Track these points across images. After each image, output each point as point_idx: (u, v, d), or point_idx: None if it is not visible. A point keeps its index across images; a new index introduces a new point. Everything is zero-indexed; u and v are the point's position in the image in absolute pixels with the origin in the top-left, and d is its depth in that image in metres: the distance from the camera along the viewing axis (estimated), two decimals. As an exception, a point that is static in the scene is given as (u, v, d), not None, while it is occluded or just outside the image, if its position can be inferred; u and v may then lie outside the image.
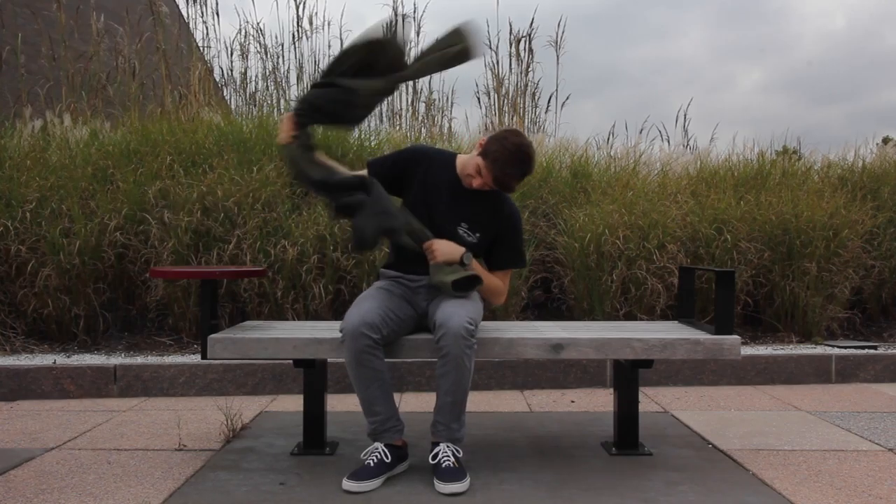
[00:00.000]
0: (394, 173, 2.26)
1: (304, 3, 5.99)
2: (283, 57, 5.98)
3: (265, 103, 5.90)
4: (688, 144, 6.14)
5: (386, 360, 2.08)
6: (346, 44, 2.13)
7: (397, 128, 5.93)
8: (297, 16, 5.98)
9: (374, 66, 2.12)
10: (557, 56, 6.31)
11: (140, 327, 3.91)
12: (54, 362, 3.31)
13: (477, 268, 2.23)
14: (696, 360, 3.49)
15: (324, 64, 6.95)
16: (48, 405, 3.06)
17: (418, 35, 6.19)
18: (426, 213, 2.21)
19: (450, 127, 6.14)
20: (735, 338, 2.19)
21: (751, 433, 2.62)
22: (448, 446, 2.06)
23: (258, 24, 6.42)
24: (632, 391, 2.36)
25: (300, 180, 2.18)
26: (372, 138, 4.83)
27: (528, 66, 6.11)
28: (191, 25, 6.12)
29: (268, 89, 5.97)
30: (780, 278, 4.09)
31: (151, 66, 5.97)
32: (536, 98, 6.18)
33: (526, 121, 6.14)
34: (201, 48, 6.09)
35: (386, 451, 2.07)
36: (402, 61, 2.14)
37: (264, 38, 5.97)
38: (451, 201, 2.22)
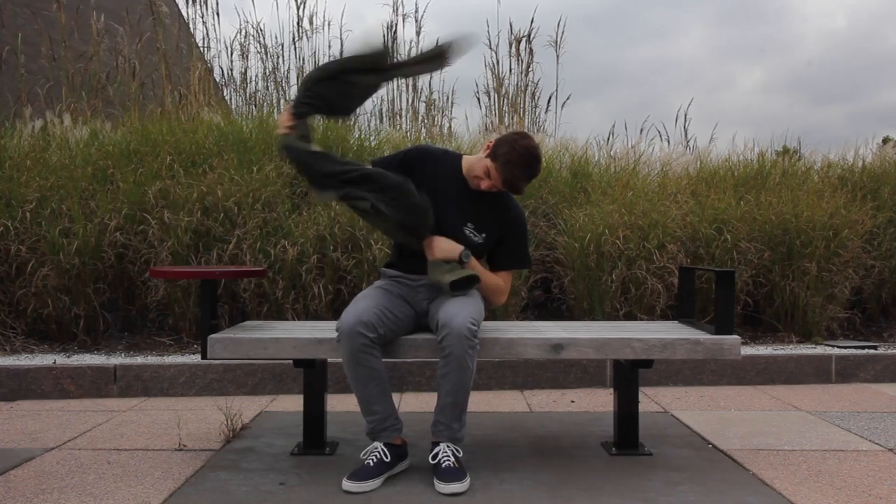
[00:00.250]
0: (399, 171, 2.26)
1: (305, 4, 5.99)
2: (283, 57, 5.98)
3: (265, 103, 5.91)
4: (688, 144, 6.15)
5: (385, 360, 2.08)
6: (345, 56, 2.18)
7: (397, 128, 5.93)
8: (298, 16, 5.99)
9: (366, 68, 2.18)
10: (557, 56, 6.31)
11: (140, 327, 3.91)
12: (54, 362, 3.31)
13: (476, 266, 2.23)
14: (696, 360, 3.50)
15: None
16: (48, 405, 3.06)
17: (418, 35, 6.20)
18: (432, 213, 2.22)
19: (450, 127, 6.15)
20: (735, 338, 2.19)
21: (751, 433, 2.62)
22: (448, 446, 2.05)
23: (258, 24, 6.42)
24: (632, 391, 2.36)
25: (300, 168, 2.17)
26: (372, 138, 4.83)
27: (528, 66, 6.11)
28: (191, 25, 6.12)
29: (268, 89, 5.97)
30: (780, 278, 4.10)
31: (151, 66, 5.97)
32: (536, 98, 6.19)
33: (526, 121, 6.14)
34: (201, 48, 6.09)
35: (385, 450, 2.07)
36: (387, 64, 2.19)
37: (264, 38, 5.98)
38: (458, 202, 2.23)
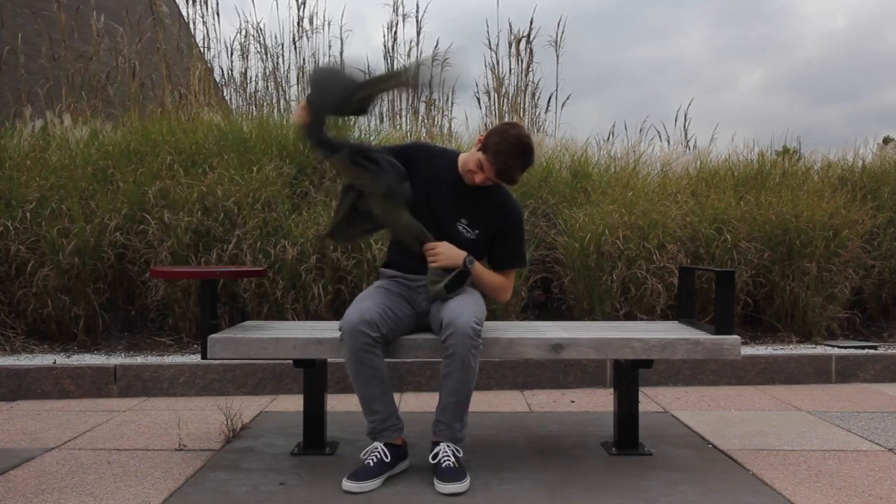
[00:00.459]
0: (401, 162, 2.27)
1: (305, 4, 5.99)
2: (283, 57, 5.98)
3: (265, 103, 5.91)
4: (688, 144, 6.15)
5: (386, 359, 2.08)
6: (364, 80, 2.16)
7: (397, 128, 5.93)
8: (298, 16, 5.99)
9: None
10: (557, 56, 6.31)
11: (140, 327, 3.91)
12: (54, 362, 3.31)
13: (478, 268, 2.23)
14: (696, 360, 3.49)
15: (324, 63, 6.94)
16: (48, 405, 3.06)
17: (419, 35, 6.20)
18: (427, 208, 2.22)
19: (450, 127, 6.14)
20: (735, 338, 2.19)
21: (751, 433, 2.62)
22: (448, 446, 2.05)
23: (258, 24, 6.42)
24: (632, 391, 2.36)
25: (321, 147, 2.17)
26: (372, 138, 4.83)
27: (528, 66, 6.11)
28: (191, 25, 6.12)
29: (268, 89, 5.97)
30: (780, 278, 4.09)
31: (151, 66, 5.97)
32: (536, 98, 6.19)
33: (526, 121, 6.14)
34: (201, 48, 6.09)
35: (385, 450, 2.07)
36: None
37: (264, 38, 5.98)
38: (453, 198, 2.23)
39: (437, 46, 6.25)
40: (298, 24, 5.99)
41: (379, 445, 2.08)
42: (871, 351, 3.73)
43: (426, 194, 2.23)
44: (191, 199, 3.81)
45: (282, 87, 5.95)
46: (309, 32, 5.99)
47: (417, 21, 6.19)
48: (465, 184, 2.23)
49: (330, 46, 7.73)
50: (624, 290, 3.89)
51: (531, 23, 6.37)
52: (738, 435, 2.59)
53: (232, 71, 6.04)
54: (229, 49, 6.06)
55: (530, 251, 4.03)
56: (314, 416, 2.37)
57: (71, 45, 5.67)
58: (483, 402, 3.15)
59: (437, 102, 6.15)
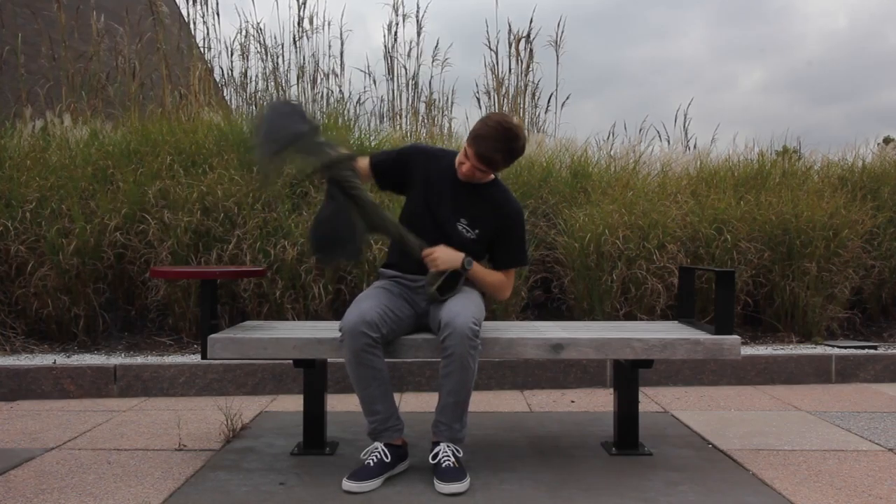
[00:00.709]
0: (396, 169, 2.28)
1: (305, 4, 5.99)
2: (283, 57, 5.98)
3: (265, 103, 5.90)
4: (688, 144, 6.15)
5: (386, 359, 2.08)
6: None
7: (397, 128, 5.93)
8: (299, 16, 5.99)
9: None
10: (557, 56, 6.31)
11: (140, 327, 3.91)
12: (54, 362, 3.31)
13: (478, 269, 2.23)
14: (696, 360, 3.49)
15: (324, 64, 6.93)
16: (48, 405, 3.06)
17: (419, 35, 6.20)
18: (427, 209, 2.22)
19: (450, 127, 6.15)
20: (735, 338, 2.19)
21: (751, 433, 2.62)
22: (448, 446, 2.05)
23: (258, 24, 6.42)
24: (632, 391, 2.36)
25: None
26: (372, 138, 4.83)
27: (527, 67, 6.11)
28: (191, 25, 6.12)
29: (268, 89, 5.97)
30: (780, 278, 4.09)
31: (151, 66, 5.97)
32: (536, 98, 6.19)
33: (526, 121, 6.14)
34: (201, 48, 6.09)
35: (386, 450, 2.07)
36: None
37: (264, 38, 5.98)
38: (453, 198, 2.23)
39: (436, 46, 6.25)
40: (299, 24, 5.99)
41: (379, 446, 2.08)
42: (871, 351, 3.73)
43: (425, 195, 2.23)
44: (191, 199, 3.81)
45: (282, 87, 5.96)
46: (309, 32, 5.99)
47: (417, 21, 6.20)
48: (464, 184, 2.23)
49: (330, 46, 7.72)
50: (624, 290, 3.89)
51: (531, 22, 6.38)
52: (738, 435, 2.59)
53: (232, 71, 6.04)
54: (229, 49, 6.07)
55: (530, 251, 4.03)
56: (314, 416, 2.37)
57: (71, 45, 5.67)
58: (483, 402, 3.15)
59: (436, 102, 6.16)
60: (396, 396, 3.24)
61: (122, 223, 3.83)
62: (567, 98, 6.52)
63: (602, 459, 2.28)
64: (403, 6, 7.18)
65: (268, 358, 2.17)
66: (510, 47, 6.14)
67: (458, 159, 2.20)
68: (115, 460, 2.27)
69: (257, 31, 6.14)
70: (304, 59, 5.97)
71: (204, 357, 2.18)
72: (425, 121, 6.14)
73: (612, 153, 5.13)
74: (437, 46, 6.24)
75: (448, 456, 2.03)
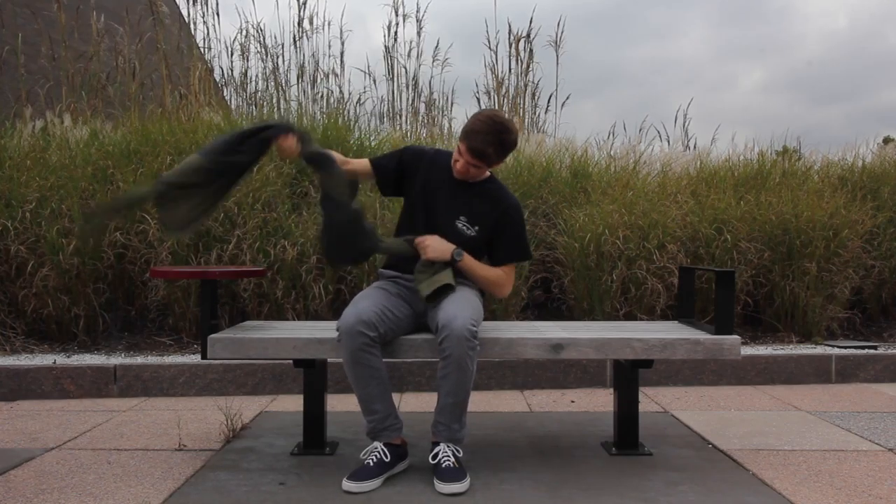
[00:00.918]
0: (397, 172, 2.30)
1: (306, 4, 5.99)
2: (283, 57, 5.98)
3: (265, 103, 5.91)
4: (688, 144, 6.15)
5: (385, 359, 2.08)
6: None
7: (397, 128, 5.93)
8: (299, 16, 5.99)
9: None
10: (557, 56, 6.31)
11: (140, 327, 3.91)
12: (54, 362, 3.31)
13: (470, 263, 2.22)
14: (696, 360, 3.49)
15: (324, 64, 6.94)
16: (48, 405, 3.06)
17: (419, 35, 6.20)
18: (425, 210, 2.24)
19: (450, 127, 6.15)
20: (735, 338, 2.19)
21: (751, 433, 2.62)
22: (448, 446, 2.05)
23: (258, 24, 6.42)
24: (632, 391, 2.36)
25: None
26: (372, 138, 4.83)
27: (527, 66, 6.11)
28: (191, 25, 6.12)
29: (268, 89, 5.97)
30: (780, 278, 4.09)
31: (151, 66, 5.97)
32: (536, 98, 6.19)
33: (526, 121, 6.14)
34: (201, 48, 6.09)
35: (385, 450, 2.07)
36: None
37: (264, 38, 5.97)
38: (450, 197, 2.24)
39: (437, 47, 6.25)
40: (299, 24, 5.99)
41: (378, 445, 2.08)
42: (871, 351, 3.73)
43: (423, 196, 2.24)
44: (191, 199, 3.81)
45: (282, 87, 5.96)
46: (309, 32, 5.99)
47: (417, 21, 6.20)
48: (461, 182, 2.24)
49: (330, 46, 7.73)
50: (624, 290, 3.89)
51: (531, 22, 6.38)
52: (738, 435, 2.59)
53: (232, 71, 6.04)
54: (229, 49, 6.07)
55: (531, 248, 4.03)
56: (314, 416, 2.37)
57: (71, 45, 5.67)
58: (483, 402, 3.15)
59: (436, 102, 6.16)
60: (396, 396, 3.24)
61: (123, 223, 3.83)
62: (567, 98, 6.52)
63: (602, 459, 2.28)
64: (403, 6, 7.18)
65: (268, 358, 2.17)
66: (510, 47, 6.15)
67: (452, 158, 2.22)
68: (115, 460, 2.27)
69: (257, 31, 6.14)
70: (304, 59, 5.97)
71: (204, 357, 2.18)
72: (425, 121, 6.14)
73: (612, 153, 5.13)
74: (437, 47, 6.24)
75: (448, 456, 2.03)
